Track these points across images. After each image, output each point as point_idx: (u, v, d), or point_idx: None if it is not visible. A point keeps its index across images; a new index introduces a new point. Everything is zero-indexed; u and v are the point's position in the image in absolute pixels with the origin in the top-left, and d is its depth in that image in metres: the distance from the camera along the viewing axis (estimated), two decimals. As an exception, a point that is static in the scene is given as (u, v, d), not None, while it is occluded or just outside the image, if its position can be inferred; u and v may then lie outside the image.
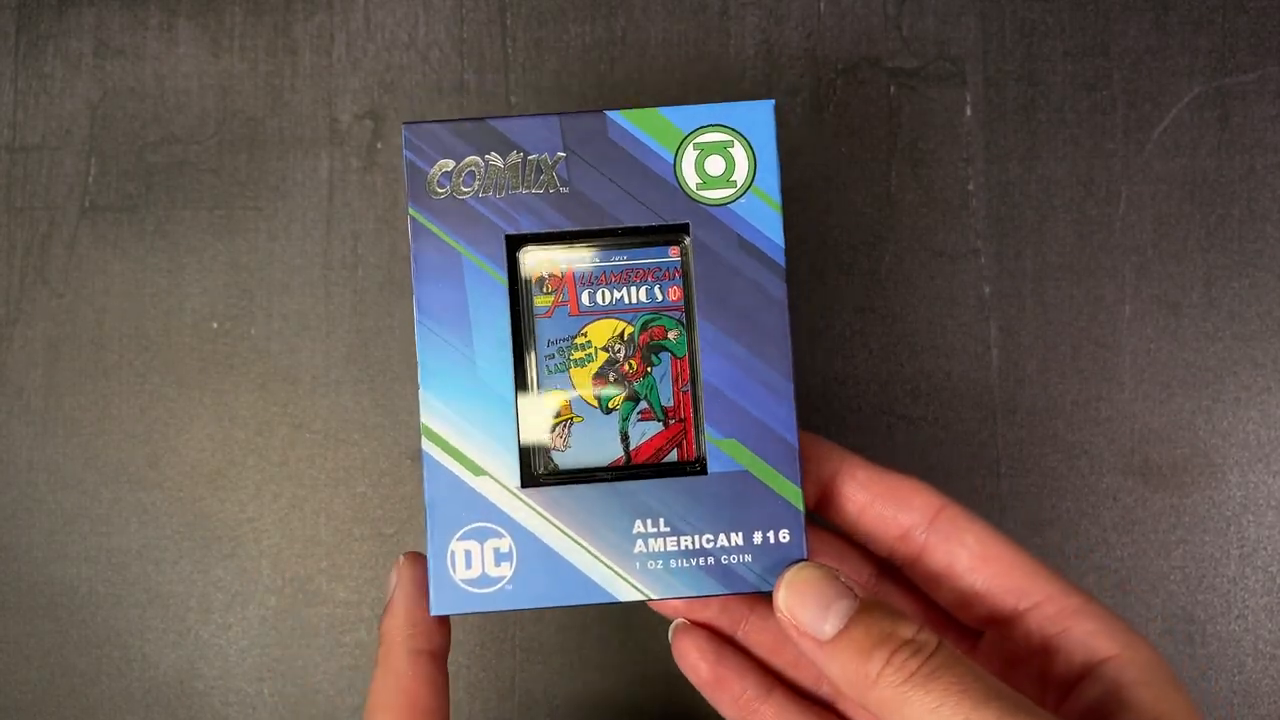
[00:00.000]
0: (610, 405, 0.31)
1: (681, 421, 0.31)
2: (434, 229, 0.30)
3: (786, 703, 0.32)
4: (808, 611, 0.27)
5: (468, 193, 0.30)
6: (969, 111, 0.41)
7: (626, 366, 0.31)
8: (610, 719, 0.40)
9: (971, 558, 0.30)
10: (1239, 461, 0.40)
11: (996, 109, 0.41)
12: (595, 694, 0.40)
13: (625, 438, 0.31)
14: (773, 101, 0.30)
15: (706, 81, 0.41)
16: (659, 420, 0.31)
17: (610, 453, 0.31)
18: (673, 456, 0.31)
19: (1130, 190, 0.41)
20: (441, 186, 0.30)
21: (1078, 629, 0.28)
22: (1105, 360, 0.41)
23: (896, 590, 0.33)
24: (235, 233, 0.41)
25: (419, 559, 0.30)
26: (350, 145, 0.41)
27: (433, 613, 0.29)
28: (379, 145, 0.41)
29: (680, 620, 0.33)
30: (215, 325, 0.41)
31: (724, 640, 0.33)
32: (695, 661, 0.32)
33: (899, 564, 0.31)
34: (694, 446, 0.31)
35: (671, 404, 0.31)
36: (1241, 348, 0.41)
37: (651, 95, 0.41)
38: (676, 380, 0.31)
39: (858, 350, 0.41)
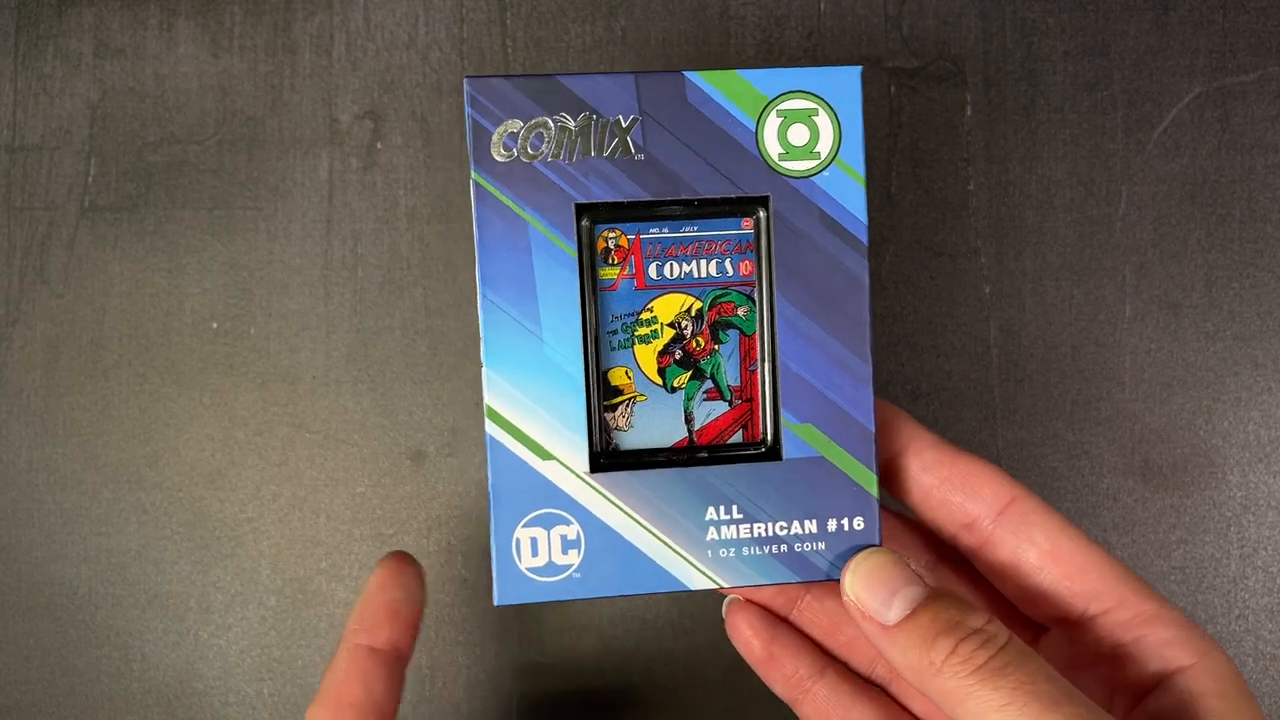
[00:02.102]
0: (675, 384, 0.29)
1: (748, 402, 0.30)
2: (499, 194, 0.27)
3: (839, 683, 0.31)
4: (874, 596, 0.26)
5: (535, 156, 0.28)
6: (969, 111, 0.41)
7: (694, 344, 0.29)
8: (610, 719, 0.40)
9: (1040, 555, 0.28)
10: (1239, 461, 0.40)
11: (996, 109, 0.41)
12: (595, 694, 0.40)
13: (690, 418, 0.30)
14: (859, 69, 0.29)
15: (706, 81, 0.41)
16: (725, 401, 0.30)
17: (674, 433, 0.29)
18: (738, 438, 0.29)
19: (1130, 190, 0.41)
20: (507, 149, 0.28)
21: (1152, 637, 0.27)
22: (1105, 360, 0.41)
23: (958, 578, 0.32)
24: (235, 233, 0.41)
25: (398, 555, 0.30)
26: (350, 145, 0.41)
27: (497, 603, 0.28)
28: (379, 145, 0.41)
29: (734, 596, 0.32)
30: (215, 325, 0.41)
31: (778, 619, 0.32)
32: (749, 639, 0.32)
33: (963, 552, 0.30)
34: (759, 427, 0.29)
35: (739, 384, 0.30)
36: (1242, 348, 0.41)
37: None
38: (744, 359, 0.30)
39: (858, 350, 0.41)
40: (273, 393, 0.41)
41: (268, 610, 0.40)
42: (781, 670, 0.31)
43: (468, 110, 0.28)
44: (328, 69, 0.42)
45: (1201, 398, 0.41)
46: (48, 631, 0.40)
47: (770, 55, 0.41)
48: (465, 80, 0.27)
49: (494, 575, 0.28)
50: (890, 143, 0.41)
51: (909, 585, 0.26)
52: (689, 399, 0.30)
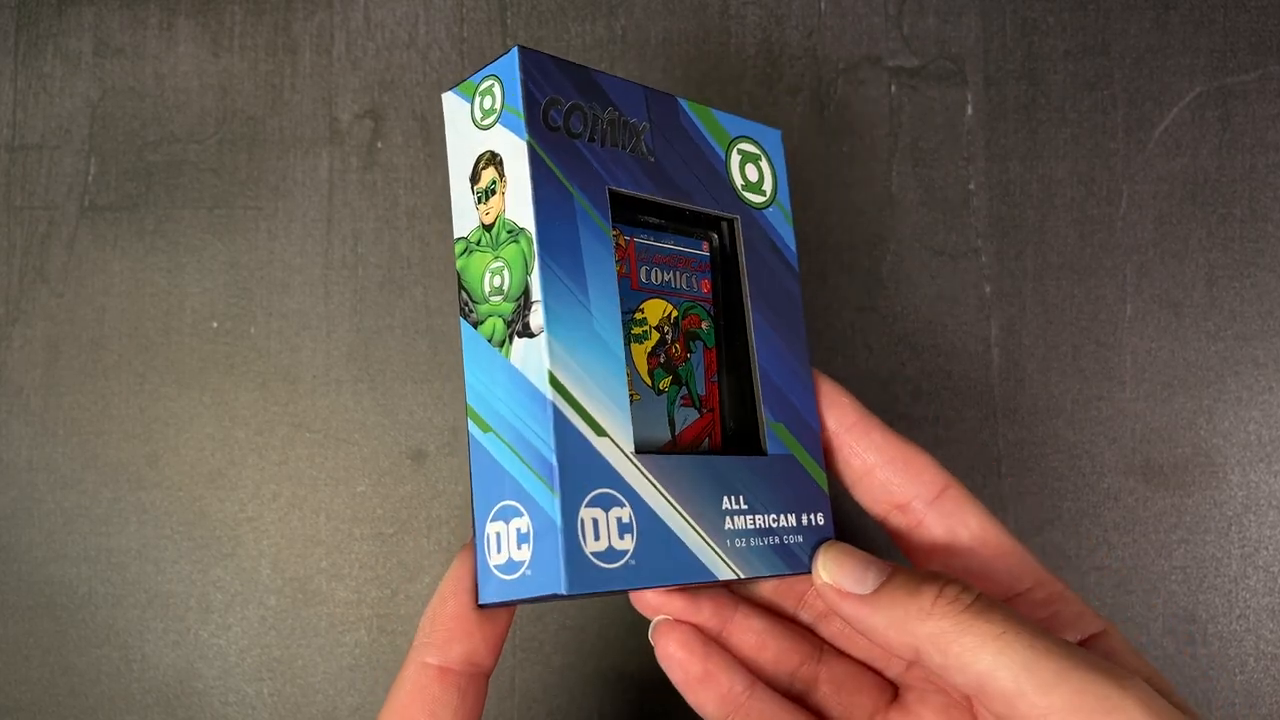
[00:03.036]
0: (660, 387, 0.30)
1: (711, 412, 0.31)
2: (550, 163, 0.27)
3: (768, 698, 0.32)
4: (849, 575, 0.28)
5: (577, 135, 0.28)
6: (969, 111, 0.41)
7: (673, 349, 0.30)
8: (610, 719, 0.40)
9: (972, 539, 0.30)
10: (1240, 461, 0.40)
11: (997, 108, 0.41)
12: (595, 694, 0.40)
13: (672, 422, 0.30)
14: (779, 132, 0.32)
15: (707, 81, 0.41)
16: (695, 408, 0.30)
17: (661, 435, 0.29)
18: (705, 447, 0.30)
19: (1131, 189, 0.41)
20: (555, 121, 0.27)
21: (1066, 611, 0.30)
22: (1106, 360, 0.41)
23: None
24: (235, 232, 0.41)
25: (471, 551, 0.27)
26: (350, 145, 0.41)
27: (565, 593, 0.25)
28: (379, 144, 0.41)
29: (662, 617, 0.32)
30: (215, 325, 0.41)
31: (707, 638, 0.32)
32: (684, 658, 0.31)
33: (889, 531, 0.32)
34: (720, 437, 0.31)
35: (704, 393, 0.31)
36: (1243, 347, 0.41)
37: (652, 94, 0.41)
38: (708, 370, 0.31)
39: (858, 350, 0.41)
40: (273, 392, 0.41)
41: (268, 610, 0.40)
42: (719, 689, 0.31)
43: (520, 78, 0.27)
44: (328, 68, 0.42)
45: (1202, 397, 0.41)
46: (48, 631, 0.40)
47: (770, 55, 0.41)
48: (518, 49, 0.27)
49: (562, 561, 0.25)
50: (890, 142, 0.41)
51: (877, 562, 0.29)
52: (670, 403, 0.30)
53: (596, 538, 0.25)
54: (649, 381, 0.29)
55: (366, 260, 0.41)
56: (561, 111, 0.27)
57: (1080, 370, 0.41)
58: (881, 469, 0.31)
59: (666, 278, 0.30)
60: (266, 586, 0.40)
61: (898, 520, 0.31)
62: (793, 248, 0.32)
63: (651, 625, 0.32)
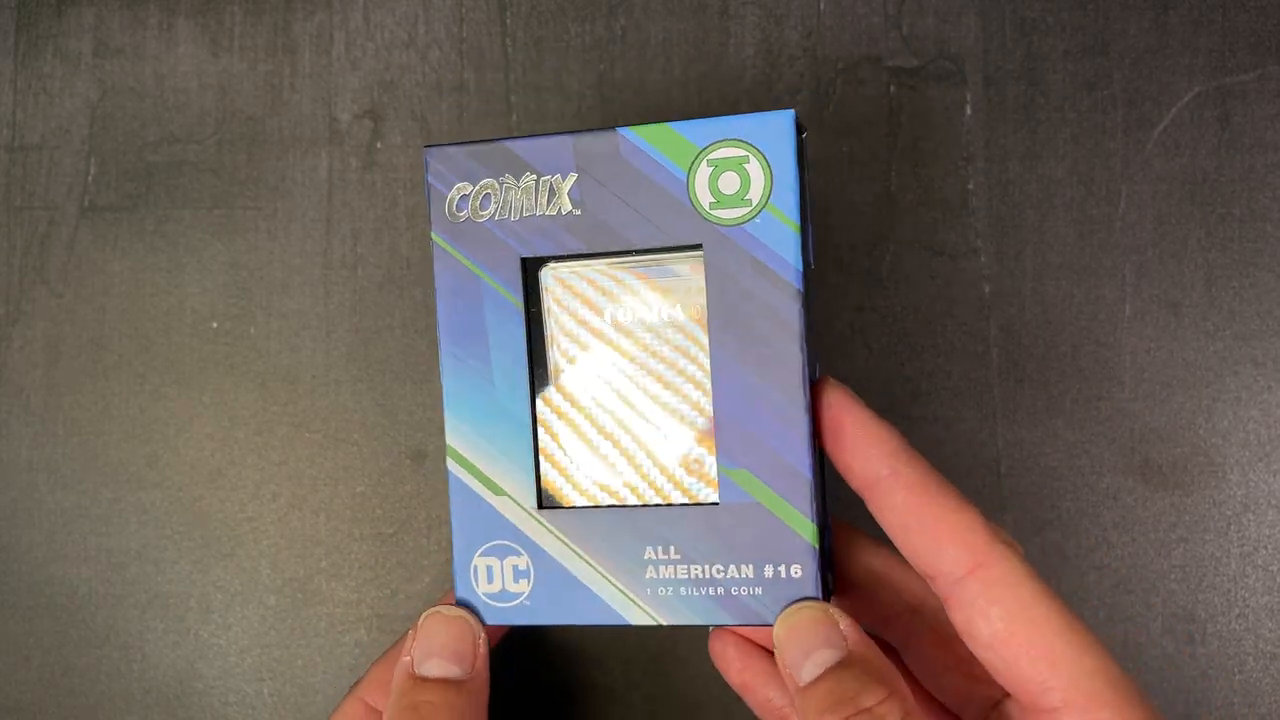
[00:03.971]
0: None
1: None
2: (454, 252, 0.30)
3: None
4: (792, 652, 0.27)
5: (485, 215, 0.30)
6: (969, 111, 0.41)
7: None
8: (610, 718, 0.40)
9: (993, 635, 0.26)
10: (1240, 460, 0.40)
11: (996, 108, 0.41)
12: (595, 694, 0.40)
13: None
14: (792, 112, 0.28)
15: (706, 81, 0.41)
16: None
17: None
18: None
19: (1130, 189, 0.41)
20: (460, 210, 0.30)
21: None
22: (1105, 359, 0.41)
23: (910, 631, 0.31)
24: (235, 232, 0.41)
25: (438, 617, 0.30)
26: (350, 145, 0.41)
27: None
28: (379, 145, 0.41)
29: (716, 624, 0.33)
30: (215, 325, 0.41)
31: (754, 647, 0.33)
32: (725, 667, 0.33)
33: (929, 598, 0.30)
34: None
35: None
36: (1242, 347, 0.41)
37: (652, 95, 0.41)
38: None
39: (858, 350, 0.41)
40: (273, 392, 0.41)
41: (268, 610, 0.40)
42: (756, 696, 0.32)
43: (427, 177, 0.30)
44: (327, 68, 0.42)
45: (1201, 397, 0.41)
46: (48, 631, 0.40)
47: (769, 55, 0.41)
48: (425, 150, 0.30)
49: (455, 598, 0.30)
50: (890, 142, 0.41)
51: (825, 648, 0.26)
52: None
53: (490, 581, 0.30)
54: None
55: (366, 260, 0.41)
56: (468, 197, 0.30)
57: (1079, 370, 0.41)
58: (903, 534, 0.27)
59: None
60: (267, 586, 0.40)
61: (935, 588, 0.28)
62: (792, 261, 0.28)
63: (710, 628, 0.33)
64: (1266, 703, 0.40)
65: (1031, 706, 0.26)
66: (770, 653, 0.32)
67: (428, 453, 0.41)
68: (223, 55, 0.42)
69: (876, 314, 0.41)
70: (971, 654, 0.27)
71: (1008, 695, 0.28)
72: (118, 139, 0.41)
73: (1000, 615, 0.26)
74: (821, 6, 0.42)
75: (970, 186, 0.41)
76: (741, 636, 0.33)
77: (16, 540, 0.40)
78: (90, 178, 0.41)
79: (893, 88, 0.41)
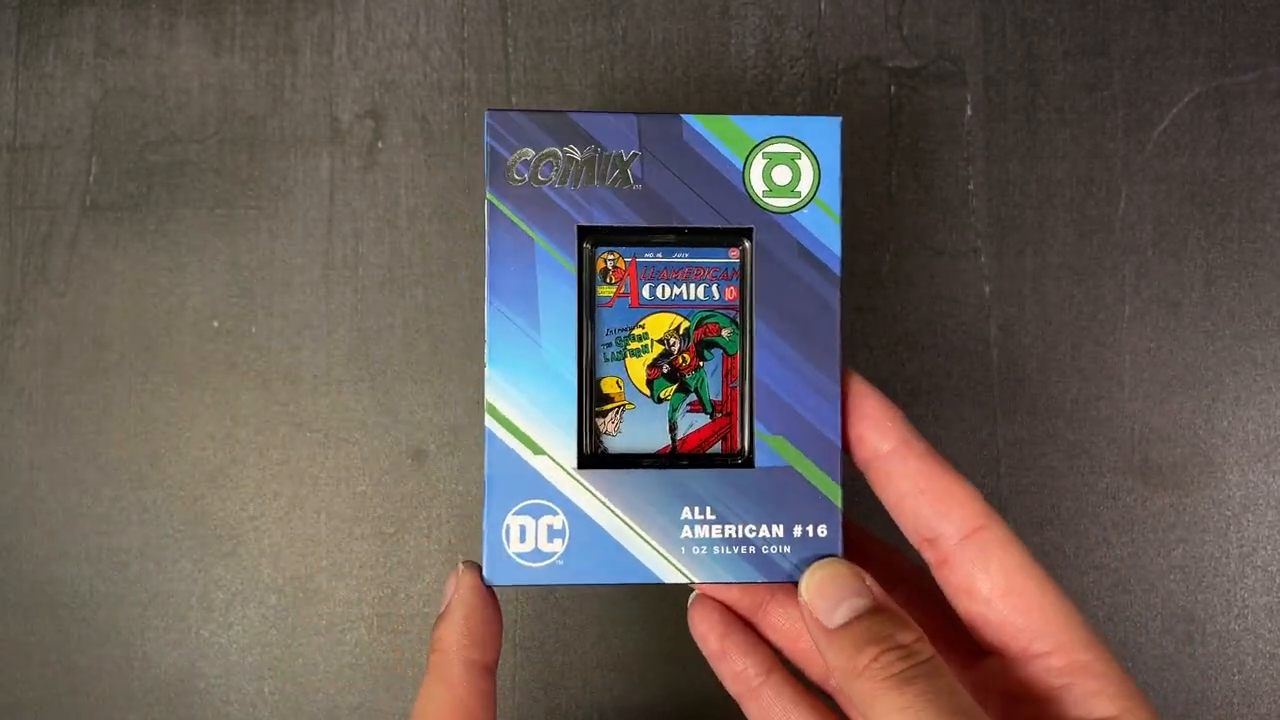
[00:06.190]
0: (662, 395, 0.32)
1: (728, 416, 0.32)
2: (510, 214, 0.31)
3: (783, 686, 0.33)
4: (824, 601, 0.28)
5: (545, 182, 0.31)
6: (969, 111, 0.41)
7: (680, 360, 0.32)
8: (610, 718, 0.40)
9: (992, 588, 0.29)
10: (1239, 460, 0.40)
11: (996, 109, 0.41)
12: (595, 693, 0.40)
13: (674, 427, 0.32)
14: (839, 119, 0.31)
15: (707, 81, 0.41)
16: (706, 413, 0.32)
17: (658, 441, 0.32)
18: (717, 448, 0.32)
19: (1130, 190, 0.41)
20: (520, 174, 0.31)
21: (1080, 687, 0.28)
22: (1105, 360, 0.41)
23: (912, 595, 0.33)
24: (236, 232, 0.41)
25: (476, 567, 0.30)
26: (351, 145, 0.41)
27: (486, 583, 0.30)
28: (379, 145, 0.41)
29: (697, 593, 0.34)
30: (216, 324, 0.41)
31: (736, 618, 0.34)
32: (704, 633, 0.34)
33: (926, 561, 0.32)
34: (738, 440, 0.32)
35: (720, 398, 0.32)
36: (1241, 347, 0.41)
37: (653, 95, 0.41)
38: (726, 376, 0.32)
39: (858, 350, 0.41)
40: (274, 391, 0.41)
41: (269, 609, 0.40)
42: (731, 666, 0.33)
43: (486, 139, 0.31)
44: (329, 68, 0.42)
45: (1201, 397, 0.41)
46: (49, 630, 0.40)
47: (770, 55, 0.41)
48: (486, 112, 0.31)
49: (484, 557, 0.30)
50: (890, 142, 0.41)
51: (856, 596, 0.28)
52: (674, 410, 0.32)
53: (522, 540, 0.30)
54: (647, 392, 0.32)
55: (367, 260, 0.41)
56: (529, 163, 0.31)
57: (1079, 370, 0.41)
58: (913, 499, 0.30)
59: (677, 291, 0.32)
60: (267, 585, 0.40)
61: (929, 554, 0.31)
62: (834, 249, 0.31)
63: (690, 596, 0.34)
64: (1265, 702, 0.40)
65: (1021, 655, 0.29)
66: (750, 624, 0.34)
67: (429, 452, 0.41)
68: (224, 55, 0.42)
69: (876, 314, 0.41)
70: (948, 622, 0.31)
71: (989, 654, 0.30)
72: (119, 138, 0.41)
73: (999, 570, 0.29)
74: (822, 7, 0.42)
75: (970, 186, 0.41)
76: (722, 606, 0.34)
77: (18, 539, 0.41)
78: (92, 177, 0.41)
79: (893, 88, 0.42)
